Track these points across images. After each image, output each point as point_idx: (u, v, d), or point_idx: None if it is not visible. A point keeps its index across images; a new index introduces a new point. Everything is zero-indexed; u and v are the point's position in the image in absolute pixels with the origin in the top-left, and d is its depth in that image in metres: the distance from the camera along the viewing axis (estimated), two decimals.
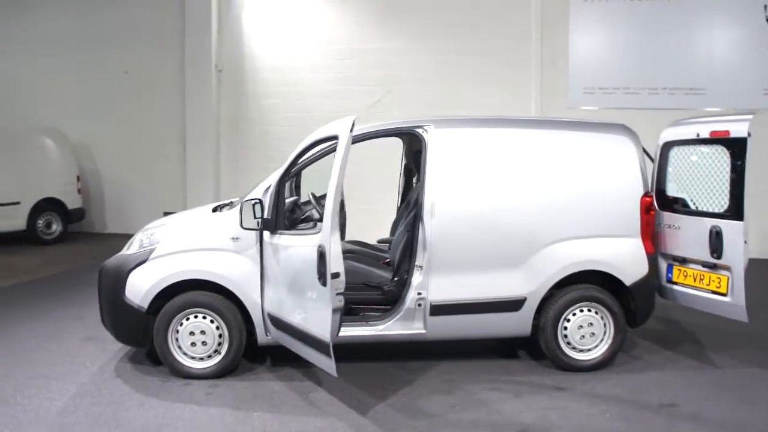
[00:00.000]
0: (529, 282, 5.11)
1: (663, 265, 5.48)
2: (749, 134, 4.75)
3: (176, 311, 5.02)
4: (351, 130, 4.22)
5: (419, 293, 5.06)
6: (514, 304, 5.11)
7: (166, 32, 12.68)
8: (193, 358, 5.07)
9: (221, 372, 5.07)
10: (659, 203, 5.48)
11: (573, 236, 5.15)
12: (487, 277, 5.09)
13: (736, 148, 4.80)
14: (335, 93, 11.94)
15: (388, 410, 4.52)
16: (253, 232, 4.98)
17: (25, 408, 4.58)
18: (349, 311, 5.37)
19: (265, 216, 4.88)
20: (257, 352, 5.41)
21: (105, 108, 13.12)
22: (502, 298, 5.10)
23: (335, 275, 4.10)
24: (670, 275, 5.43)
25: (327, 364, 4.27)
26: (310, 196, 5.70)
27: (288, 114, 12.31)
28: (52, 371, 5.26)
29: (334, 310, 4.13)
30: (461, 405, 4.61)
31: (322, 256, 4.13)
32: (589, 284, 5.20)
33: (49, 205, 11.73)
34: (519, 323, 5.17)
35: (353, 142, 5.19)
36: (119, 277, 5.09)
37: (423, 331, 5.12)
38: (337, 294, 4.14)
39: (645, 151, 5.43)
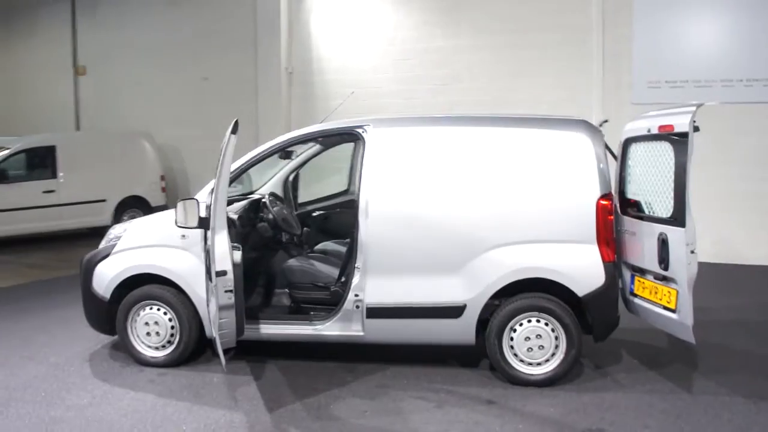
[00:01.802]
0: (468, 288, 4.83)
1: (627, 275, 4.96)
2: (697, 128, 4.17)
3: (134, 302, 5.29)
4: (234, 132, 4.23)
5: (356, 295, 4.97)
6: (453, 311, 4.86)
7: (241, 39, 13.30)
8: (149, 347, 5.32)
9: (173, 361, 5.26)
10: (621, 207, 4.97)
11: (518, 241, 4.81)
12: (425, 282, 4.89)
13: (680, 144, 4.23)
14: (399, 93, 11.94)
15: (298, 410, 4.48)
16: (200, 230, 5.11)
17: None
18: (298, 310, 5.41)
19: (202, 215, 5.00)
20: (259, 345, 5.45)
21: (188, 111, 14.02)
22: (441, 304, 4.87)
23: (221, 273, 4.13)
24: (632, 286, 4.90)
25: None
26: (267, 198, 5.75)
27: (354, 115, 12.44)
28: (37, 352, 5.74)
29: (221, 308, 4.16)
30: (373, 411, 4.47)
31: (208, 254, 4.18)
32: (542, 293, 4.82)
33: (135, 203, 12.70)
34: (460, 331, 4.90)
35: (299, 143, 5.29)
36: (89, 269, 5.45)
37: (361, 333, 5.02)
38: (226, 291, 4.16)
39: (609, 150, 4.95)
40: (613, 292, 4.80)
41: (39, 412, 4.49)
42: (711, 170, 8.96)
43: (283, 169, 6.80)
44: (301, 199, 7.19)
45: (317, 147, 6.52)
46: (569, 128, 4.94)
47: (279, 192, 6.72)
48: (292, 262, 5.58)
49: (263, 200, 5.83)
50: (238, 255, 4.50)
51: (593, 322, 4.83)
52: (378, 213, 4.90)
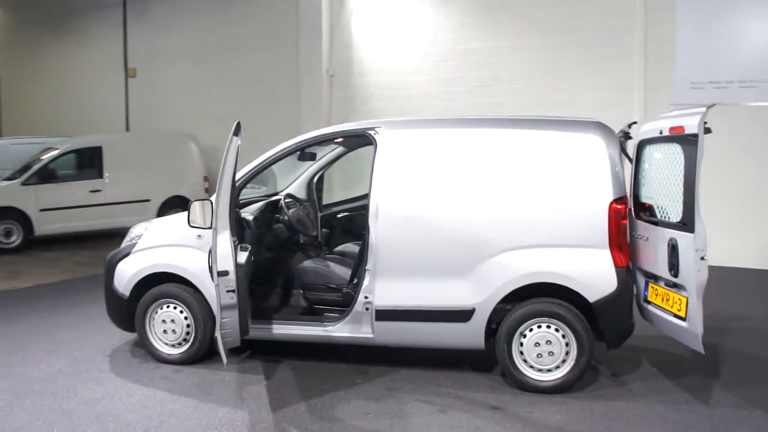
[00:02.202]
0: (477, 292, 4.77)
1: (641, 282, 4.80)
2: (708, 130, 3.99)
3: (152, 300, 5.41)
4: (236, 134, 4.27)
5: (366, 297, 4.96)
6: (462, 315, 4.80)
7: (284, 40, 13.49)
8: (165, 344, 5.43)
9: (188, 359, 5.36)
10: (635, 210, 4.80)
11: (528, 245, 4.71)
12: (434, 284, 4.84)
13: (690, 146, 4.05)
14: (438, 95, 11.90)
15: (302, 410, 4.51)
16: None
17: (14, 372, 5.29)
18: (311, 311, 5.43)
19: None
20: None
21: (233, 112, 14.13)
22: (450, 308, 4.82)
23: (223, 273, 4.18)
24: (646, 293, 4.74)
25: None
26: (283, 199, 5.80)
27: (395, 117, 12.47)
28: (61, 346, 5.94)
29: (223, 307, 4.21)
30: (376, 414, 4.46)
31: (209, 254, 4.23)
32: (553, 299, 4.72)
33: (179, 202, 12.98)
34: (470, 335, 4.84)
35: (312, 145, 5.32)
36: (110, 267, 5.61)
37: (371, 335, 5.01)
38: (228, 291, 4.21)
39: (624, 152, 4.80)
40: (625, 299, 4.65)
41: (53, 404, 4.65)
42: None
43: (307, 170, 6.86)
44: (326, 201, 7.23)
45: (340, 149, 6.55)
46: (582, 130, 4.81)
47: (303, 194, 6.79)
48: (307, 263, 5.62)
49: (280, 202, 5.88)
50: (243, 256, 4.56)
51: (605, 329, 4.70)
52: (387, 215, 4.88)
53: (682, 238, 4.15)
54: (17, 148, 13.42)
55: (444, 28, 11.84)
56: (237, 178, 5.24)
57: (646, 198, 4.78)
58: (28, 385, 5.02)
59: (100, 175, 12.24)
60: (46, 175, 11.73)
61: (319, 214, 6.89)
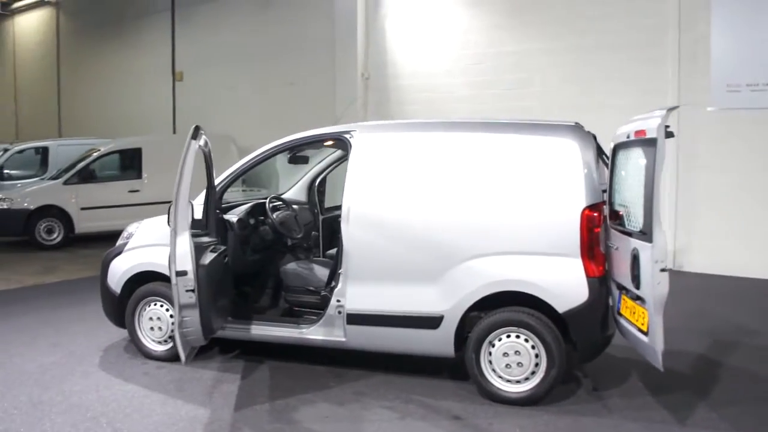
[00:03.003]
0: (446, 299, 4.67)
1: (616, 294, 4.58)
2: (670, 134, 3.76)
3: (141, 298, 5.55)
4: (195, 137, 4.32)
5: (338, 300, 4.95)
6: (431, 321, 4.71)
7: (321, 44, 13.60)
8: (152, 341, 5.56)
9: (173, 356, 5.42)
10: (610, 218, 4.60)
11: (498, 251, 4.58)
12: (403, 290, 4.78)
13: (651, 150, 3.84)
14: (471, 98, 11.77)
15: (264, 410, 4.53)
16: None
17: (13, 362, 5.54)
18: (291, 313, 5.46)
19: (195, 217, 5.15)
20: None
21: (272, 114, 14.49)
22: (419, 314, 4.74)
23: (181, 273, 4.24)
24: (619, 306, 4.52)
25: None
26: (267, 202, 5.84)
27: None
28: (65, 339, 6.16)
29: (182, 306, 4.26)
30: (335, 418, 4.43)
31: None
32: (524, 308, 4.57)
33: None
34: (439, 342, 4.74)
35: (291, 149, 5.35)
36: (105, 265, 5.79)
37: (343, 339, 4.98)
38: (187, 291, 4.26)
39: (602, 156, 4.61)
40: (597, 310, 4.46)
41: (32, 394, 4.83)
42: None
43: (309, 173, 6.90)
44: (330, 204, 7.24)
45: (339, 152, 6.55)
46: (556, 133, 4.65)
47: (303, 196, 6.83)
48: (290, 265, 5.64)
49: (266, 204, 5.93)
50: (210, 257, 4.61)
51: (576, 341, 4.52)
52: (358, 218, 4.85)
53: (642, 248, 3.95)
54: (65, 149, 14.03)
55: (476, 30, 11.71)
56: (219, 181, 5.35)
57: (618, 205, 4.58)
58: (19, 375, 5.24)
59: (139, 176, 12.65)
60: (87, 175, 12.21)
61: (321, 217, 6.92)
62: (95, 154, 12.44)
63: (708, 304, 7.66)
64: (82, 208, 11.99)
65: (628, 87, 10.00)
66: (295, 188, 6.83)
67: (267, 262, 5.90)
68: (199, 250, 4.53)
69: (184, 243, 4.28)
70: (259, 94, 14.74)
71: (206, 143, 4.72)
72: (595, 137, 5.66)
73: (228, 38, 15.41)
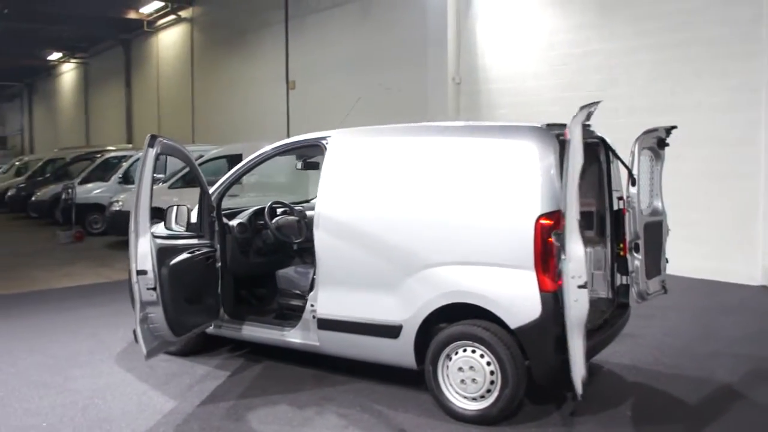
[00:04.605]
0: (404, 308, 4.56)
1: None
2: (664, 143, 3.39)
3: None
4: (152, 145, 4.53)
5: (312, 305, 5.00)
6: (391, 331, 4.62)
7: (413, 50, 13.67)
8: None
9: (178, 352, 5.78)
10: None
11: (453, 261, 4.40)
12: (367, 297, 4.73)
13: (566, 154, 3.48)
14: (557, 101, 11.30)
15: (223, 407, 4.70)
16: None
17: (46, 347, 6.13)
18: (282, 315, 5.58)
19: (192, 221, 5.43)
20: None
21: (371, 120, 14.59)
22: (379, 322, 4.67)
23: (142, 272, 4.48)
24: None
25: None
26: (267, 207, 6.03)
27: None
28: (102, 332, 6.72)
29: (144, 303, 4.50)
30: (281, 420, 4.48)
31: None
32: (482, 321, 4.34)
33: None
34: (400, 352, 4.64)
35: (274, 156, 5.47)
36: None
37: (317, 344, 5.03)
38: (149, 289, 4.49)
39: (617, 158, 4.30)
40: (550, 328, 4.11)
41: (44, 377, 5.36)
42: None
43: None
44: None
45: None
46: (515, 136, 4.37)
47: None
48: (286, 269, 5.75)
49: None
50: (181, 257, 4.83)
51: (530, 360, 4.22)
52: (326, 224, 4.88)
53: (562, 262, 3.62)
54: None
55: (561, 31, 11.21)
56: (216, 188, 5.59)
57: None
58: (46, 359, 5.83)
59: (239, 181, 13.37)
60: (190, 179, 13.14)
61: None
62: (201, 159, 13.36)
63: None
64: None
65: (719, 84, 9.12)
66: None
67: (274, 265, 6.06)
68: (171, 251, 4.77)
69: (145, 244, 4.53)
70: (363, 101, 15.03)
71: (163, 151, 4.82)
72: (603, 140, 5.29)
73: (333, 47, 15.95)
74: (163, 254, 4.62)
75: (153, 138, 4.58)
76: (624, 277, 5.36)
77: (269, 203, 6.10)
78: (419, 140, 4.81)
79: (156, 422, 4.47)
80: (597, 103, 3.75)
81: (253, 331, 5.41)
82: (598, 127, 5.54)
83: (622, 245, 5.31)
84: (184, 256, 4.90)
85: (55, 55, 32.89)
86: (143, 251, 4.51)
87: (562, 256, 3.61)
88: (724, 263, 8.88)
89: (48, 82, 38.36)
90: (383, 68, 14.55)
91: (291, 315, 5.49)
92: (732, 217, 9.02)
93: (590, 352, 4.99)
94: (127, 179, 15.26)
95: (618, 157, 5.38)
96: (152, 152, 4.55)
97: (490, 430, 4.30)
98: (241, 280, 5.90)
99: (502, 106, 12.32)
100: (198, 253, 5.09)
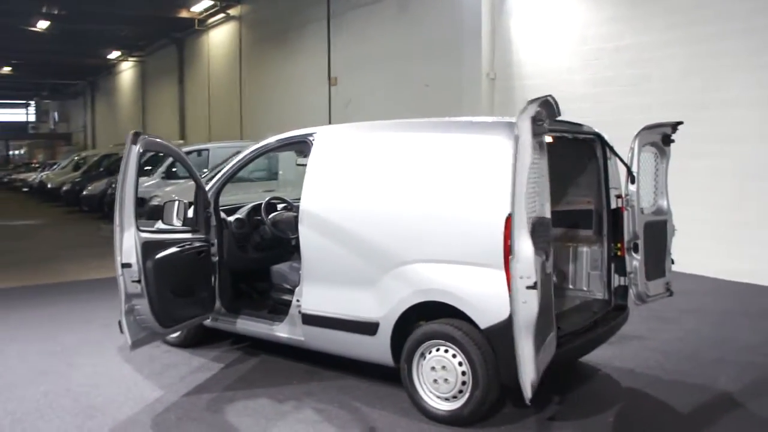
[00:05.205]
0: (380, 305, 4.56)
1: None
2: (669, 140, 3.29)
3: None
4: (135, 143, 4.62)
5: (297, 300, 5.05)
6: (369, 327, 4.62)
7: (449, 45, 13.58)
8: None
9: (180, 343, 5.94)
10: None
11: (426, 259, 4.36)
12: (346, 293, 4.75)
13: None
14: (589, 96, 11.05)
15: (205, 399, 4.81)
16: None
17: (57, 334, 6.39)
18: (275, 310, 5.64)
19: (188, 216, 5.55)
20: None
21: (408, 116, 14.69)
22: (358, 318, 4.68)
23: (126, 265, 4.60)
24: None
25: None
26: (263, 203, 6.11)
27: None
28: (103, 319, 6.92)
29: (130, 295, 4.62)
30: (259, 413, 4.55)
31: None
32: (455, 319, 4.29)
33: None
34: (377, 349, 4.63)
35: (264, 153, 5.53)
36: None
37: (302, 339, 5.07)
38: (134, 281, 4.61)
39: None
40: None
41: (50, 363, 5.62)
42: None
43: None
44: None
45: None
46: (488, 131, 4.29)
47: None
48: (281, 264, 5.81)
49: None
50: (169, 251, 4.93)
51: (499, 361, 4.13)
52: (309, 220, 4.91)
53: (511, 262, 3.53)
54: (222, 151, 15.45)
55: (594, 24, 10.93)
56: (212, 184, 5.69)
57: None
58: (55, 345, 6.11)
59: (275, 177, 13.58)
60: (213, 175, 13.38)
61: None
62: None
63: None
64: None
65: (759, 78, 8.70)
66: None
67: (272, 260, 6.12)
68: (157, 245, 4.88)
69: (130, 238, 4.65)
70: (399, 96, 15.07)
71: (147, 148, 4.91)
72: (600, 136, 5.15)
73: (373, 44, 16.00)
74: (148, 248, 4.74)
75: (136, 135, 4.70)
76: (622, 278, 5.22)
77: (267, 199, 6.16)
78: (395, 136, 4.80)
79: (138, 411, 4.61)
80: (546, 96, 3.67)
81: (247, 325, 5.50)
82: (630, 125, 5.42)
83: (619, 245, 5.17)
84: (172, 250, 5.00)
85: (114, 54, 34.10)
86: (128, 245, 4.64)
87: (510, 256, 3.53)
88: (754, 265, 8.49)
89: (108, 80, 39.85)
90: (419, 64, 14.52)
91: (282, 310, 5.56)
92: (766, 217, 8.62)
93: (576, 353, 4.94)
94: (169, 175, 15.69)
95: (616, 154, 5.23)
96: (135, 149, 4.67)
97: (463, 431, 4.24)
98: (241, 275, 6.00)
99: None
100: (188, 247, 5.19)
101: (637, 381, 5.16)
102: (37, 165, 34.98)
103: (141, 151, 4.70)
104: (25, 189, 27.97)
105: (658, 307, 6.44)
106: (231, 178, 5.76)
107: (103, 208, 17.10)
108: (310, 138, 5.15)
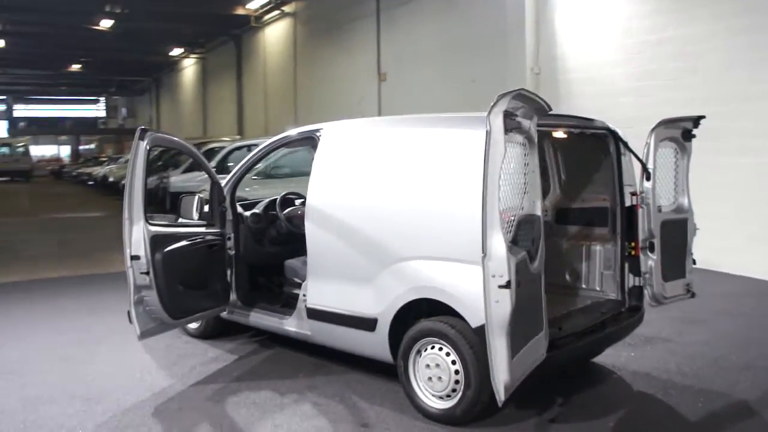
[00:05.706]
0: (379, 302, 4.56)
1: None
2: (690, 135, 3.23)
3: None
4: (142, 138, 4.74)
5: (304, 294, 5.11)
6: (368, 323, 4.63)
7: (494, 40, 13.40)
8: None
9: (200, 335, 6.10)
10: None
11: (422, 256, 4.33)
12: (348, 288, 4.77)
13: None
14: (632, 90, 10.77)
15: (211, 389, 4.93)
16: None
17: (86, 321, 6.67)
18: (288, 303, 5.72)
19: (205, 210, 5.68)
20: None
21: (454, 110, 14.57)
22: (358, 314, 4.69)
23: (135, 257, 4.75)
24: None
25: None
26: (278, 197, 6.19)
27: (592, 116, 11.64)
28: None
29: (139, 287, 4.77)
30: (260, 404, 4.62)
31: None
32: (450, 317, 4.24)
33: None
34: (376, 345, 4.64)
35: (274, 150, 5.60)
36: None
37: (309, 333, 5.13)
38: (142, 273, 4.75)
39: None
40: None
41: (70, 350, 5.87)
42: None
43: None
44: None
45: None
46: (476, 126, 4.20)
47: None
48: (295, 259, 5.87)
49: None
50: (179, 244, 5.05)
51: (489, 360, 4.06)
52: (314, 215, 4.96)
53: (483, 260, 3.48)
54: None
55: (637, 16, 10.59)
56: (228, 179, 5.80)
57: None
58: (84, 333, 6.40)
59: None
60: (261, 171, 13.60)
61: None
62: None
63: None
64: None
65: None
66: None
67: (289, 254, 6.17)
68: (167, 238, 5.01)
69: (138, 231, 4.80)
70: (445, 91, 14.98)
71: (155, 144, 5.03)
72: (613, 131, 5.02)
73: (421, 39, 15.97)
74: (157, 241, 4.88)
75: (143, 131, 4.84)
76: (637, 279, 5.06)
77: (282, 194, 6.25)
78: (394, 131, 4.80)
79: (144, 398, 4.76)
80: (519, 90, 3.60)
81: (260, 318, 5.60)
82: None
83: (633, 244, 5.01)
84: (182, 243, 5.13)
85: (176, 51, 35.11)
86: (137, 238, 4.80)
87: (481, 254, 3.47)
88: None
89: (172, 76, 41.04)
90: (466, 59, 14.41)
91: (293, 304, 5.63)
92: None
93: (581, 354, 4.83)
94: (219, 169, 16.07)
95: (630, 150, 5.08)
96: (143, 144, 4.81)
97: (456, 431, 4.21)
98: (259, 269, 6.10)
99: (578, 96, 11.85)
100: (200, 240, 5.32)
101: (651, 385, 5.00)
102: (104, 159, 36.36)
103: (148, 147, 4.84)
104: (90, 183, 29.15)
105: (690, 308, 6.24)
106: (246, 173, 5.85)
107: (155, 202, 17.69)
108: (317, 134, 5.19)
